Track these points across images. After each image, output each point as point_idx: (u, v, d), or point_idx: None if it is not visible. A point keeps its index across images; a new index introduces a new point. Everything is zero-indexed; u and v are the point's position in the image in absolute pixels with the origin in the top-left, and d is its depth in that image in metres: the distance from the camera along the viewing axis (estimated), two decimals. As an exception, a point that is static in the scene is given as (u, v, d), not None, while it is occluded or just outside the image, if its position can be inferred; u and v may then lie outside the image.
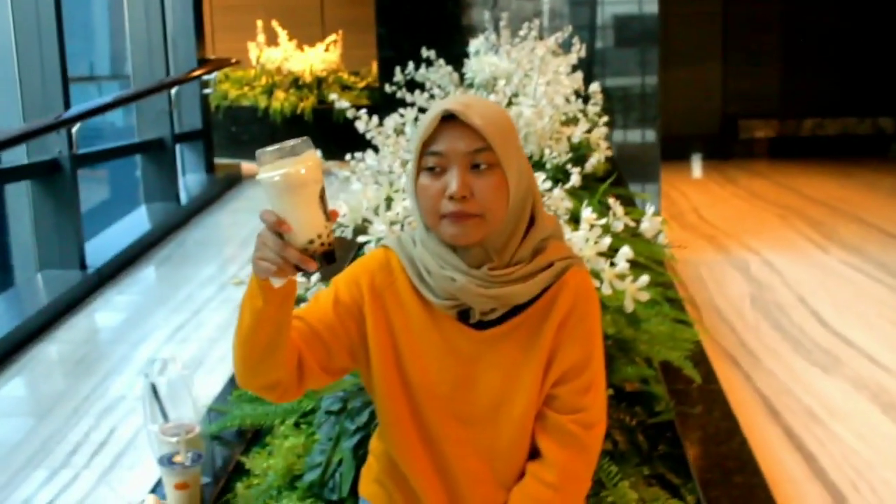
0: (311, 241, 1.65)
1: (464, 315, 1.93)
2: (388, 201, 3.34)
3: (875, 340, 4.85)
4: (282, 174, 1.62)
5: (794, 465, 3.60)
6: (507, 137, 1.87)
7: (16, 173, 6.10)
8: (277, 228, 1.65)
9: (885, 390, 4.25)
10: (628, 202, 5.29)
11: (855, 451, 3.70)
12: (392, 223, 2.98)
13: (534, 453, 1.99)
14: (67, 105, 6.18)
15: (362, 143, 4.53)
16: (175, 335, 5.20)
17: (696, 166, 10.53)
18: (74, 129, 6.08)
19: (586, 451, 1.98)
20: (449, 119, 1.84)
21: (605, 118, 5.52)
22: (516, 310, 1.93)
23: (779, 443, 3.77)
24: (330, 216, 1.69)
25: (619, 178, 6.01)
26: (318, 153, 1.69)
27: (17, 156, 6.03)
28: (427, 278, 1.92)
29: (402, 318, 1.95)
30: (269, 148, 1.64)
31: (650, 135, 7.66)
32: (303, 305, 1.98)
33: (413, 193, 1.91)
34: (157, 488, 2.98)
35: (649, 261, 4.13)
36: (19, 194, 6.23)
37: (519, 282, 1.89)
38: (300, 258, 1.65)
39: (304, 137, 1.68)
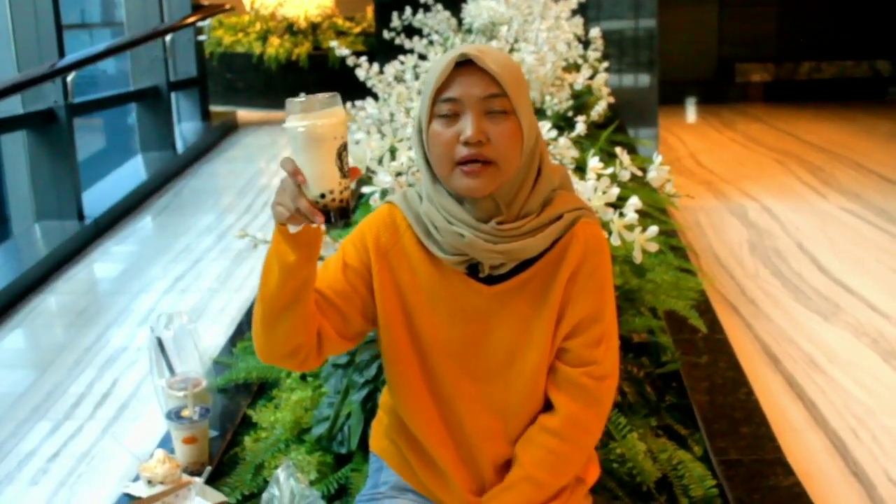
0: (323, 195, 1.67)
1: (473, 270, 1.91)
2: (392, 151, 3.31)
3: (874, 287, 4.85)
4: (305, 125, 1.64)
5: (796, 412, 3.61)
6: (520, 85, 1.84)
7: (11, 123, 6.06)
8: (293, 177, 1.67)
9: (884, 337, 4.25)
10: (629, 149, 5.28)
11: (855, 398, 3.71)
12: (397, 174, 2.96)
13: (546, 407, 1.99)
14: (62, 53, 6.13)
15: (359, 90, 4.50)
16: (175, 286, 5.19)
17: (692, 111, 10.47)
18: (70, 78, 6.03)
19: (597, 404, 1.97)
20: (462, 65, 1.81)
21: (605, 64, 5.48)
22: (526, 263, 1.91)
23: (779, 391, 3.78)
24: (349, 174, 1.69)
25: (621, 124, 5.98)
26: (339, 109, 1.68)
27: (13, 106, 5.98)
28: (434, 234, 1.89)
29: (410, 276, 1.94)
30: (299, 98, 1.65)
31: (648, 79, 7.59)
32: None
33: (421, 144, 1.88)
34: (164, 442, 2.99)
35: (652, 209, 4.13)
36: (15, 144, 6.19)
37: (528, 235, 1.87)
38: (310, 209, 1.67)
39: (334, 93, 1.68)
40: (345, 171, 1.69)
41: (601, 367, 1.95)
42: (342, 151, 1.67)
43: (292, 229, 1.74)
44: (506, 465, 2.01)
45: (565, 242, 1.91)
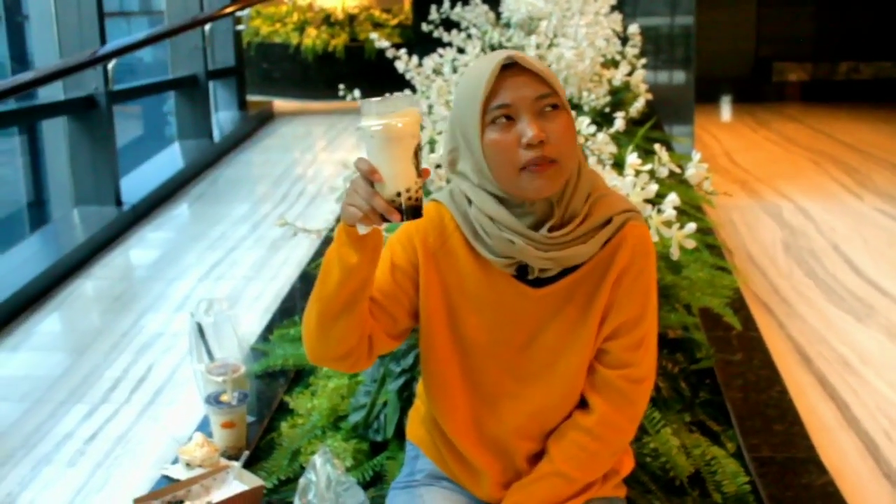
0: (399, 194, 1.68)
1: (521, 271, 1.90)
2: (431, 143, 3.34)
3: (910, 289, 4.83)
4: (382, 125, 1.66)
5: (828, 413, 3.61)
6: (558, 85, 1.85)
7: (52, 109, 6.14)
8: (370, 177, 1.68)
9: (919, 340, 4.24)
10: (666, 146, 5.27)
11: (888, 399, 3.70)
12: (437, 166, 2.98)
13: (581, 404, 2.00)
14: (103, 41, 6.18)
15: (395, 81, 4.52)
16: (210, 273, 5.24)
17: (728, 109, 10.42)
18: (110, 66, 6.09)
19: (632, 406, 1.98)
20: (505, 69, 1.80)
21: (643, 60, 5.48)
22: (575, 266, 1.90)
23: (812, 391, 3.77)
24: (422, 173, 1.71)
25: (658, 122, 5.97)
26: (416, 110, 1.70)
27: (54, 92, 6.05)
28: (484, 236, 1.88)
29: (457, 277, 1.93)
30: (374, 99, 1.68)
31: (684, 77, 7.57)
32: None
33: (470, 152, 1.86)
34: (202, 426, 3.03)
35: (689, 206, 4.13)
36: (56, 130, 6.25)
37: (578, 241, 1.86)
38: (386, 208, 1.67)
39: (409, 93, 1.71)
40: (419, 170, 1.70)
41: (639, 370, 1.95)
42: (418, 150, 1.70)
43: (362, 230, 1.74)
44: (538, 457, 2.01)
45: (614, 245, 1.90)
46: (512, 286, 1.90)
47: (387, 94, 1.69)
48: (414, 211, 1.69)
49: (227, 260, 5.44)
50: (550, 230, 1.85)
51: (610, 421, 1.96)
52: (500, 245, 1.85)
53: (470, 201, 1.90)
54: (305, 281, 4.48)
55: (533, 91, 1.80)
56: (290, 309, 4.12)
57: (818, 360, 4.04)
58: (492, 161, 1.83)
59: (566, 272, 1.90)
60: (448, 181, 2.00)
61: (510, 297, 1.91)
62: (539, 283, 1.90)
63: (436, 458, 2.11)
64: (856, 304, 4.64)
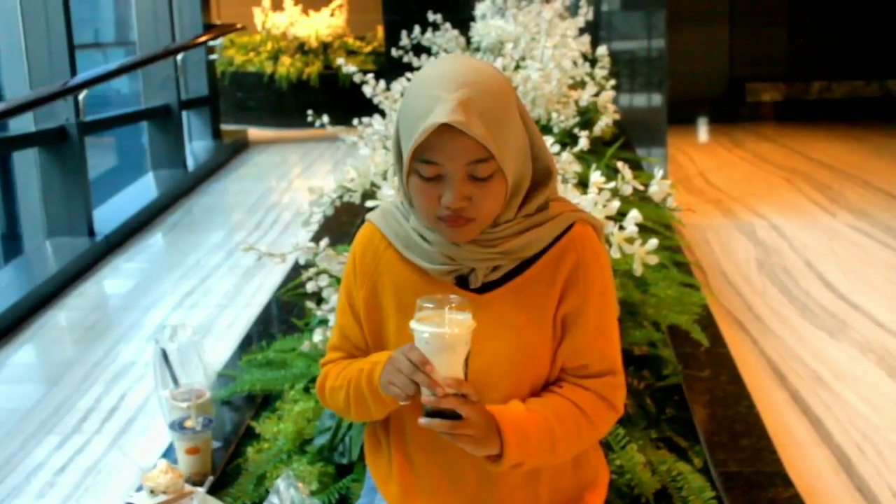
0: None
1: (462, 281, 1.86)
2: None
3: (882, 305, 4.85)
4: (432, 333, 1.67)
5: (801, 428, 3.62)
6: (507, 128, 1.75)
7: (23, 141, 6.12)
8: (422, 367, 1.68)
9: (891, 354, 4.25)
10: (636, 166, 5.29)
11: (861, 414, 3.71)
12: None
13: None
14: (74, 72, 6.18)
15: (369, 108, 4.53)
16: (184, 302, 5.22)
17: (703, 130, 10.47)
18: (81, 97, 6.08)
19: (612, 409, 1.90)
20: (445, 124, 1.68)
21: (612, 81, 5.51)
22: (519, 269, 1.85)
23: (785, 406, 3.79)
24: (467, 376, 1.70)
25: (627, 141, 6.00)
26: (470, 316, 1.69)
27: (25, 123, 6.04)
28: (424, 245, 1.84)
29: (394, 294, 1.89)
30: (430, 298, 1.69)
31: (657, 98, 7.62)
32: (332, 331, 2.05)
33: (401, 179, 1.82)
34: (168, 453, 3.01)
35: (657, 224, 4.14)
36: (27, 162, 6.24)
37: (525, 232, 1.82)
38: (430, 383, 1.68)
39: (465, 299, 1.70)
40: (467, 375, 1.69)
41: (616, 378, 1.90)
42: (468, 357, 1.69)
43: (402, 402, 1.76)
44: (489, 480, 1.90)
45: (562, 246, 1.85)
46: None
47: (440, 296, 1.69)
48: (455, 413, 1.69)
49: (200, 288, 5.43)
50: (494, 226, 1.82)
51: (594, 406, 1.87)
52: (445, 249, 1.82)
53: (408, 216, 1.88)
54: (278, 307, 4.47)
55: (466, 156, 1.71)
56: (261, 334, 4.11)
57: (791, 376, 4.06)
58: (414, 198, 1.80)
59: (510, 276, 1.85)
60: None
61: None
62: (483, 289, 1.86)
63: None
64: (829, 320, 4.67)
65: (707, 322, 3.86)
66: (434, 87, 1.72)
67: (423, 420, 1.70)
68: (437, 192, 1.74)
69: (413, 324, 1.68)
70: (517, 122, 1.79)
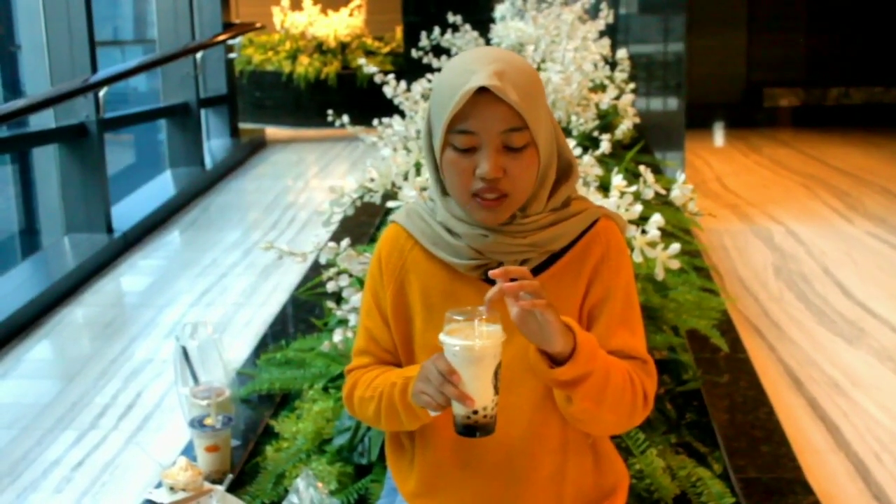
0: (476, 412, 1.68)
1: (488, 277, 1.82)
2: (418, 167, 3.34)
3: (900, 312, 4.84)
4: (462, 346, 1.66)
5: (818, 435, 3.61)
6: (539, 104, 1.79)
7: (43, 137, 6.15)
8: (449, 377, 1.68)
9: (909, 361, 4.25)
10: (655, 170, 5.28)
11: (878, 422, 3.70)
12: (422, 188, 2.99)
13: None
14: (94, 69, 6.20)
15: (386, 109, 4.55)
16: (200, 299, 5.23)
17: (720, 134, 10.45)
18: (101, 93, 6.10)
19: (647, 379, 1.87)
20: (481, 91, 1.72)
21: (631, 85, 5.51)
22: (546, 264, 1.86)
23: (802, 413, 3.78)
24: (498, 389, 1.69)
25: (646, 145, 5.99)
26: (500, 328, 1.67)
27: (45, 120, 6.06)
28: (452, 240, 1.85)
29: (422, 292, 1.90)
30: (459, 311, 1.68)
31: (675, 102, 7.60)
32: (356, 336, 2.04)
33: (433, 163, 1.84)
34: (187, 450, 3.02)
35: (676, 229, 4.13)
36: (47, 158, 6.26)
37: (553, 225, 1.84)
38: (460, 396, 1.67)
39: (495, 311, 1.67)
40: (497, 388, 1.68)
41: (647, 366, 1.88)
42: (498, 369, 1.68)
43: (432, 413, 1.77)
44: (515, 481, 1.92)
45: (588, 240, 1.87)
46: (481, 291, 1.74)
47: (469, 308, 1.68)
48: (486, 428, 1.69)
49: (217, 286, 5.43)
50: (524, 217, 1.83)
51: (633, 375, 1.83)
52: (474, 242, 1.83)
53: (435, 210, 1.89)
54: (295, 306, 4.47)
55: (502, 123, 1.74)
56: (278, 334, 4.11)
57: (809, 382, 4.04)
58: (447, 178, 1.82)
59: (538, 271, 1.85)
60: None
61: (479, 303, 1.78)
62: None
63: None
64: (846, 327, 4.65)
65: (726, 327, 3.86)
66: (469, 63, 1.77)
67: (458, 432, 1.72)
68: (472, 164, 1.76)
69: (442, 336, 1.68)
70: (546, 106, 1.84)
